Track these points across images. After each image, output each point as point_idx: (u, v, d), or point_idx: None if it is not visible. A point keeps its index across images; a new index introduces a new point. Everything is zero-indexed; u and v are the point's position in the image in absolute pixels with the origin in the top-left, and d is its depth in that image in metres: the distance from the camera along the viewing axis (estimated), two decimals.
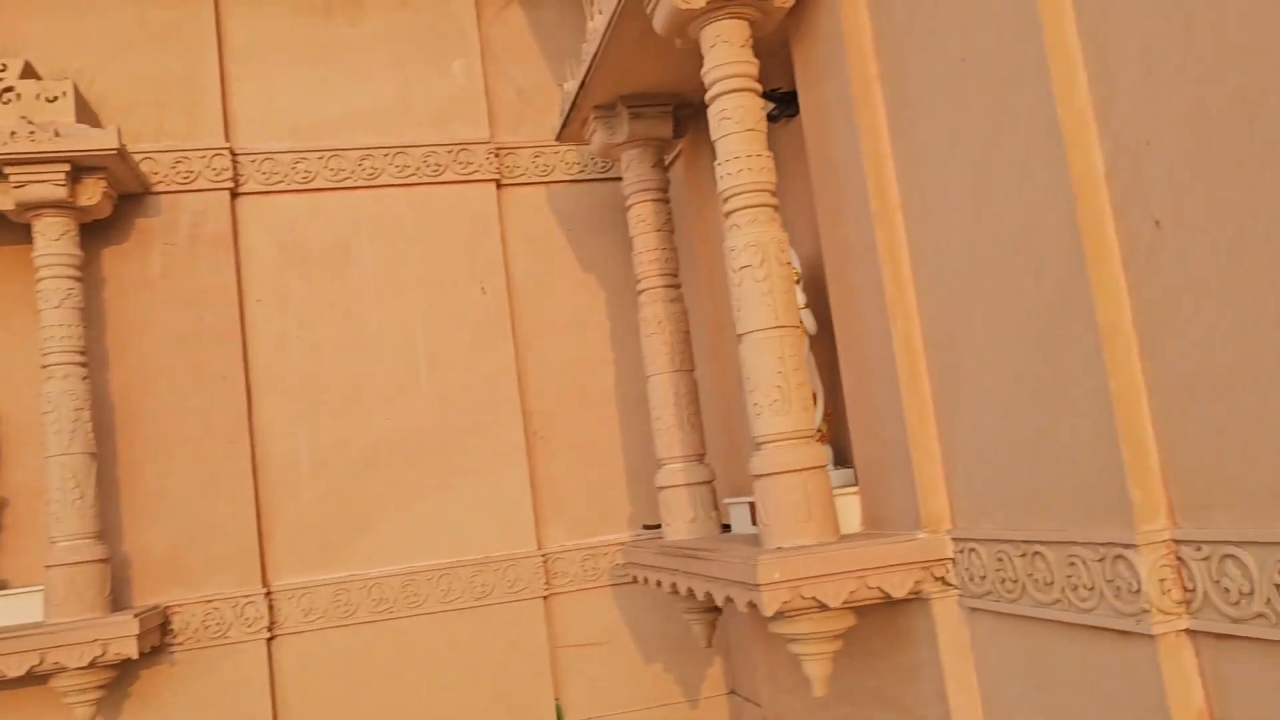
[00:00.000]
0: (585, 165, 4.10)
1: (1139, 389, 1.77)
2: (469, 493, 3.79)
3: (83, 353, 3.33)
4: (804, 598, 2.22)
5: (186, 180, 3.67)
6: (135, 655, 3.11)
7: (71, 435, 3.26)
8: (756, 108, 2.49)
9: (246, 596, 3.53)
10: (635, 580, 3.38)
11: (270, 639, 3.56)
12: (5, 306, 3.55)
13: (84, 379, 3.31)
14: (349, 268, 3.83)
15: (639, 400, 4.00)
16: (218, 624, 3.49)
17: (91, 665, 3.09)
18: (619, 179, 4.05)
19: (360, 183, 3.85)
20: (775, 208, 2.47)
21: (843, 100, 2.46)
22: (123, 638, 3.10)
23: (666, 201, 3.35)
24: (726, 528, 3.26)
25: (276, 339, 3.74)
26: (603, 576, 3.89)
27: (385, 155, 3.88)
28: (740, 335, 2.46)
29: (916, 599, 2.33)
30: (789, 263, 2.45)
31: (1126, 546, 1.73)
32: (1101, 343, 1.77)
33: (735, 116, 2.46)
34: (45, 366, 3.29)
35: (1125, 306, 1.78)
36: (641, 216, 3.32)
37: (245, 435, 3.62)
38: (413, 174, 3.89)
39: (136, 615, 3.15)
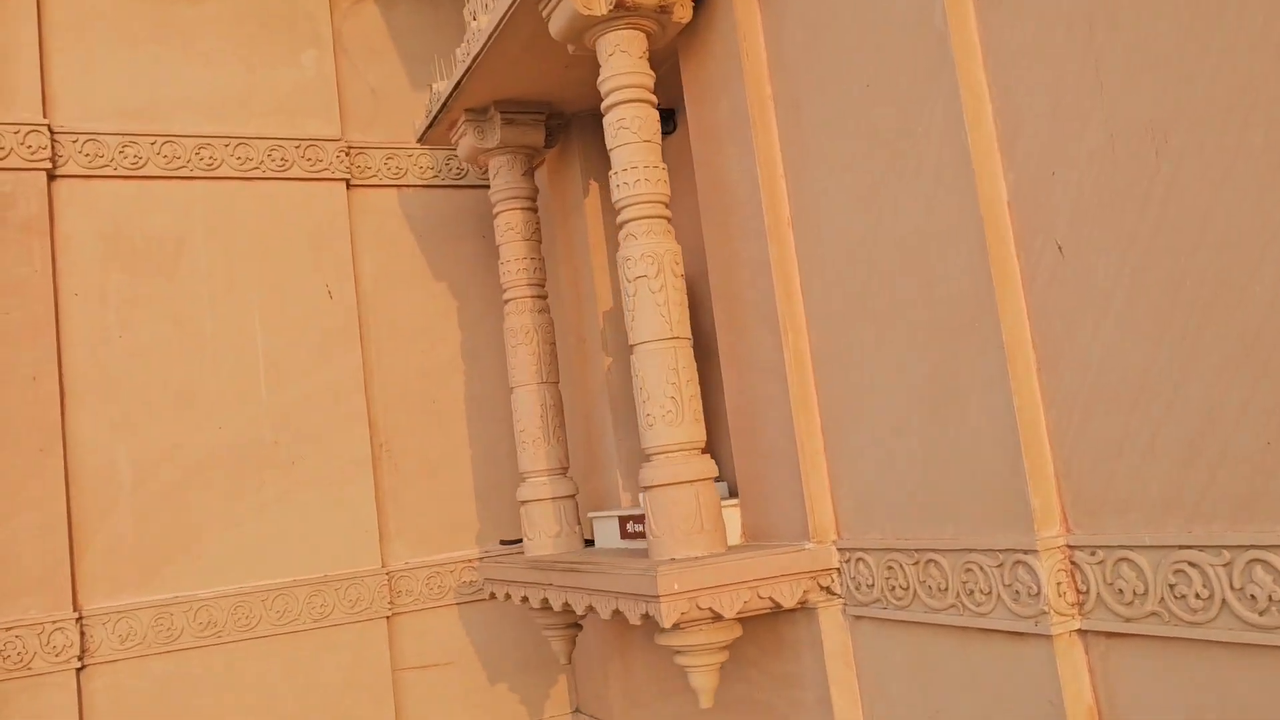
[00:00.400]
0: (439, 170, 3.99)
1: (1037, 403, 1.88)
2: (309, 508, 3.58)
3: None
4: (700, 608, 2.22)
5: None
6: None
7: None
8: (654, 119, 2.50)
9: (54, 622, 3.18)
10: (492, 596, 3.29)
11: (81, 668, 3.21)
12: None
13: None
14: (181, 264, 3.55)
15: (489, 414, 3.92)
16: (19, 653, 3.12)
17: None
18: (475, 186, 3.98)
19: (197, 173, 3.58)
20: (669, 219, 2.49)
21: (737, 118, 2.51)
22: None
23: (535, 210, 3.30)
24: (589, 543, 3.23)
25: (96, 339, 3.41)
26: (448, 595, 3.76)
27: (226, 145, 3.62)
28: (633, 345, 2.45)
29: (800, 609, 2.38)
30: (682, 275, 2.47)
31: (1027, 552, 1.83)
32: (1006, 359, 1.87)
33: (633, 126, 2.46)
34: None
35: (1025, 325, 1.90)
36: (510, 224, 3.26)
37: (58, 443, 3.27)
38: (255, 168, 3.66)
39: None
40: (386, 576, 3.64)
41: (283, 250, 3.68)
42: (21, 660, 3.12)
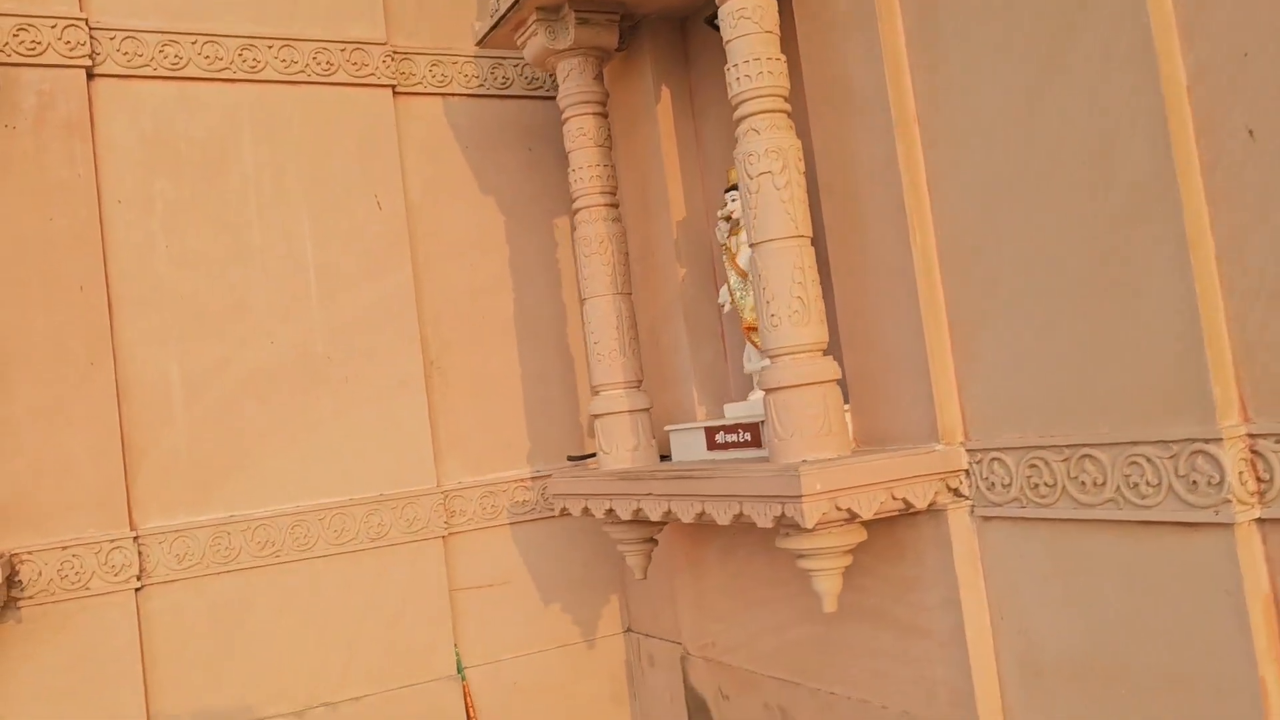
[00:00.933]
0: (484, 79, 3.83)
1: (1217, 292, 1.85)
2: (363, 426, 3.47)
3: None
4: (839, 509, 2.19)
5: (31, 52, 3.08)
6: None
7: None
8: (773, 9, 2.41)
9: (112, 541, 3.05)
10: (563, 512, 3.24)
11: (139, 589, 3.10)
12: None
13: None
14: (227, 170, 3.37)
15: (537, 332, 3.83)
16: (77, 573, 3.00)
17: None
18: (520, 97, 3.86)
19: (240, 75, 3.39)
20: (789, 114, 2.40)
21: (859, 12, 2.42)
22: None
23: (606, 116, 3.19)
24: (663, 458, 3.17)
25: (142, 248, 3.24)
26: (501, 514, 3.69)
27: (270, 47, 3.44)
28: (755, 244, 2.38)
29: (924, 512, 2.36)
30: (803, 171, 2.40)
31: (1208, 441, 1.82)
32: (1188, 248, 1.84)
33: (754, 16, 2.37)
34: None
35: (1205, 213, 1.86)
36: (582, 129, 3.14)
37: (108, 357, 3.11)
38: (300, 71, 3.48)
39: None
40: (442, 496, 3.56)
41: (330, 158, 3.52)
42: (80, 580, 3.00)
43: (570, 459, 3.62)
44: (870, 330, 2.47)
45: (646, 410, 3.14)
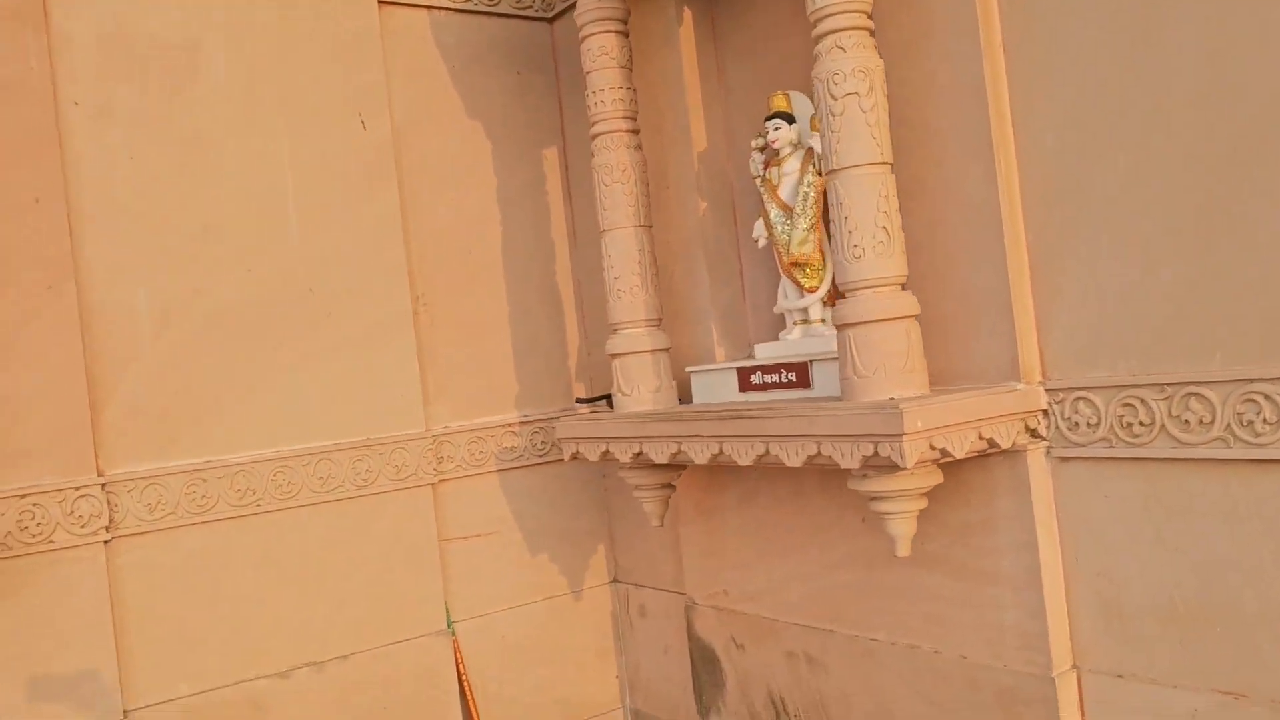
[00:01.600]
0: None
1: None
2: (348, 365, 3.20)
3: None
4: (933, 448, 2.09)
5: None
6: None
7: None
8: None
9: (78, 489, 2.73)
10: (574, 456, 3.06)
11: (107, 541, 2.78)
12: None
13: None
14: (196, 78, 3.02)
15: (525, 270, 3.63)
16: (39, 524, 2.67)
17: None
18: (509, 16, 3.62)
19: None
20: (873, 32, 2.27)
21: None
22: None
23: (628, 35, 2.98)
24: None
25: (103, 161, 2.87)
26: (489, 461, 3.49)
27: None
28: (836, 170, 2.25)
29: (995, 453, 2.30)
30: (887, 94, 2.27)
31: None
32: None
33: None
34: None
35: None
36: (604, 49, 2.93)
37: (69, 280, 2.76)
38: None
39: None
40: (432, 441, 3.33)
41: (310, 68, 3.20)
42: (42, 533, 2.67)
43: (580, 401, 3.44)
44: (945, 265, 2.38)
45: (666, 350, 2.98)
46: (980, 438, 2.18)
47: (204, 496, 2.94)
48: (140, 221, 2.91)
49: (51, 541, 2.68)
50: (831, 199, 2.27)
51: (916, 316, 2.25)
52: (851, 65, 2.20)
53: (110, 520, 2.78)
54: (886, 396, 2.18)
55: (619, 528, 3.70)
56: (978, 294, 2.32)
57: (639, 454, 2.79)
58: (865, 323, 2.20)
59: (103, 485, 2.77)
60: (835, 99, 2.22)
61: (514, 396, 3.58)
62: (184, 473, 2.91)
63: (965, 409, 2.14)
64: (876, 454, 2.10)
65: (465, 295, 3.49)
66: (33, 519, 2.66)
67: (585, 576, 3.68)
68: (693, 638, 3.26)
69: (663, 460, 2.70)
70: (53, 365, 2.72)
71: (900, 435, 2.03)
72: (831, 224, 2.30)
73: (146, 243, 2.91)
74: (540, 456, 3.59)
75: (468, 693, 3.33)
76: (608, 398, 3.20)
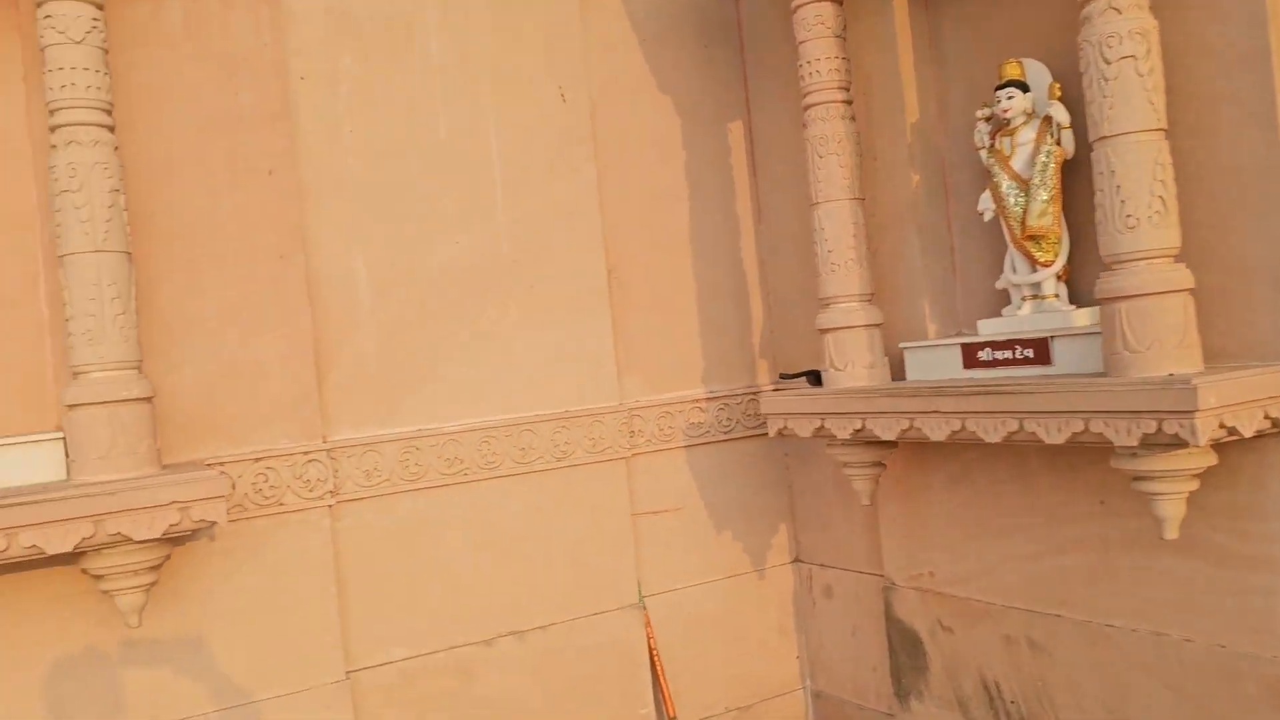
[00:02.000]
0: None
1: None
2: (548, 336, 3.21)
3: (110, 112, 2.39)
4: (1222, 426, 2.01)
5: None
6: (224, 521, 2.34)
7: (108, 225, 2.34)
8: None
9: (307, 454, 2.78)
10: (780, 433, 3.03)
11: (331, 506, 2.83)
12: None
13: (115, 149, 2.39)
14: (411, 51, 3.05)
15: (713, 244, 3.60)
16: (272, 487, 2.73)
17: (161, 538, 2.28)
18: None
19: None
20: None
21: None
22: (208, 500, 2.31)
23: (842, 3, 2.92)
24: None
25: (328, 131, 2.92)
26: (676, 436, 3.47)
27: None
28: (1107, 137, 2.16)
29: (1272, 433, 2.19)
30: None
31: None
32: None
33: None
34: (59, 127, 2.33)
35: None
36: (820, 17, 2.88)
37: (299, 251, 2.81)
38: None
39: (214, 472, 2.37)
40: (626, 415, 3.33)
41: (516, 40, 3.20)
42: (274, 495, 2.73)
43: (783, 376, 3.40)
44: (1213, 238, 2.28)
45: (879, 325, 2.93)
46: (1265, 417, 2.08)
47: (416, 465, 2.97)
48: (360, 192, 2.95)
49: (282, 504, 2.74)
50: (1098, 167, 2.19)
51: (1191, 290, 2.16)
52: (1128, 27, 2.12)
53: (334, 485, 2.83)
54: (1164, 373, 2.09)
55: (801, 507, 3.66)
56: (1253, 268, 2.21)
57: (860, 430, 2.75)
58: (1139, 296, 2.13)
59: (328, 451, 2.82)
60: (1109, 63, 2.14)
61: (700, 372, 3.55)
62: (399, 440, 2.95)
63: (1254, 387, 2.05)
64: (1160, 431, 2.02)
65: (654, 269, 3.48)
66: (266, 482, 2.72)
67: (767, 555, 3.65)
68: (891, 620, 3.21)
69: (890, 437, 2.66)
70: (286, 334, 2.77)
71: (1193, 412, 1.95)
72: (1097, 194, 2.21)
73: (366, 213, 2.95)
74: (725, 433, 3.57)
75: (658, 667, 3.33)
76: (809, 374, 3.16)
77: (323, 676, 2.77)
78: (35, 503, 2.13)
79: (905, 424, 2.59)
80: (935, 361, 2.83)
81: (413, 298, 3.01)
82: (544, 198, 3.22)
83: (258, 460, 2.71)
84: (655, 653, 3.34)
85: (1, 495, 2.16)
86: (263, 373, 2.74)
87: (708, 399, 3.54)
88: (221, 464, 2.66)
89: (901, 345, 2.94)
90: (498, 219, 3.15)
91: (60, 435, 2.43)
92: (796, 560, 3.70)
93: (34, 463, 2.40)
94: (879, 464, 2.96)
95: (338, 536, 2.85)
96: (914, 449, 3.03)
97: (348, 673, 2.82)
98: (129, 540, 2.25)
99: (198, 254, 2.68)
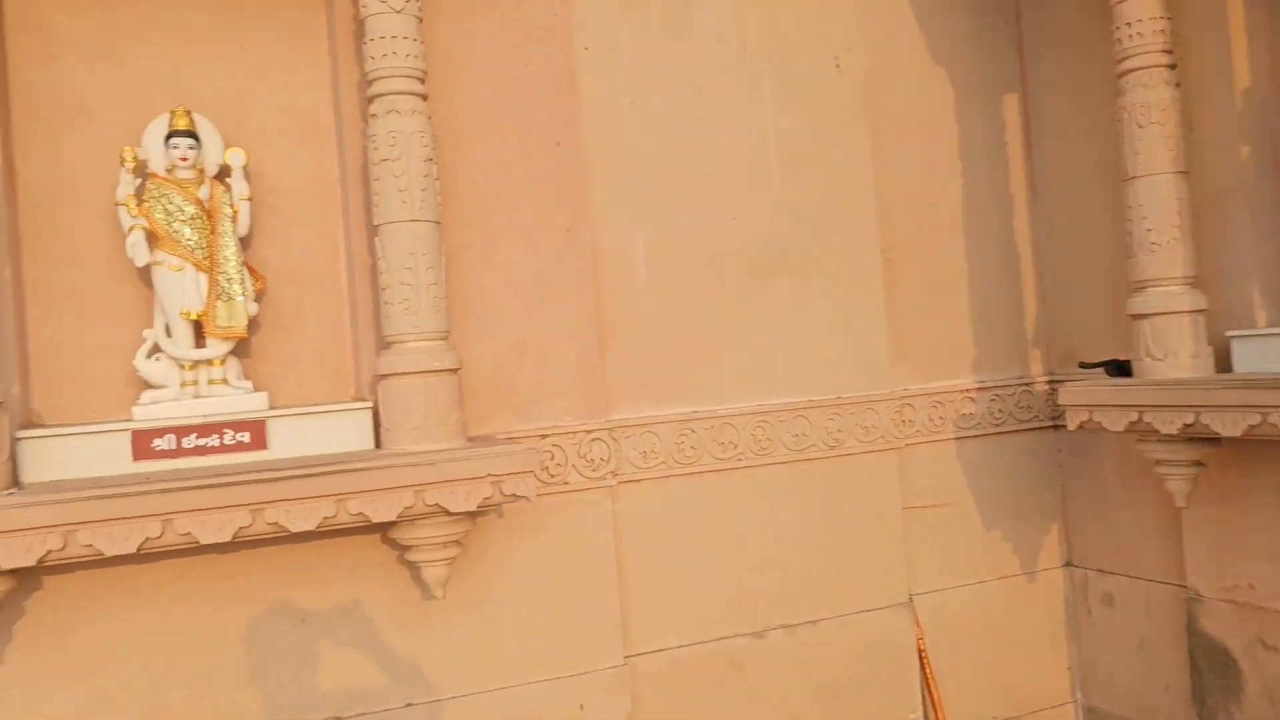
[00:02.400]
0: None
1: None
2: (820, 318, 3.07)
3: (424, 81, 2.38)
4: None
5: None
6: (534, 497, 2.30)
7: (422, 195, 2.33)
8: None
9: (590, 432, 2.73)
10: (1082, 426, 2.80)
11: (612, 486, 2.77)
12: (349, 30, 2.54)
13: (429, 119, 2.38)
14: (690, 20, 2.96)
15: (987, 224, 3.38)
16: (558, 465, 2.69)
17: (470, 511, 2.25)
18: None
19: None
20: None
21: None
22: (519, 475, 2.27)
23: None
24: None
25: (609, 103, 2.86)
26: (947, 428, 3.28)
27: None
28: None
29: None
30: None
31: None
32: None
33: None
34: (379, 96, 2.34)
35: None
36: None
37: (585, 225, 2.76)
38: None
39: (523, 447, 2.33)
40: (898, 404, 3.16)
41: (791, 11, 3.08)
42: (559, 474, 2.69)
43: (1083, 366, 3.17)
44: None
45: (1203, 311, 2.67)
46: None
47: (691, 448, 2.89)
48: (641, 166, 2.88)
49: (566, 483, 2.70)
50: None
51: None
52: None
53: (615, 466, 2.77)
54: None
55: (1075, 507, 3.41)
56: None
57: (1190, 424, 2.50)
58: None
59: (609, 430, 2.76)
60: None
61: (970, 361, 3.35)
62: (674, 421, 2.87)
63: None
64: None
65: (926, 250, 3.29)
66: (552, 459, 2.68)
67: (1038, 557, 3.42)
68: (1195, 634, 2.93)
69: (1233, 433, 2.40)
70: (572, 310, 2.72)
71: None
72: None
73: (646, 188, 2.88)
74: (995, 426, 3.35)
75: (927, 670, 3.16)
76: (1110, 364, 2.92)
77: (603, 660, 2.71)
78: (364, 470, 2.13)
79: (1256, 419, 2.33)
80: (1270, 353, 2.56)
81: (688, 275, 2.92)
82: (819, 173, 3.08)
83: (544, 437, 2.68)
84: (925, 655, 3.16)
85: (329, 462, 2.17)
86: (550, 349, 2.70)
87: (979, 389, 3.33)
88: (510, 439, 2.63)
89: (1229, 334, 2.67)
90: (773, 195, 3.03)
91: (368, 405, 2.44)
92: (1069, 564, 3.45)
93: (342, 431, 2.41)
94: (1198, 463, 2.70)
95: (618, 518, 2.79)
96: (1239, 448, 2.75)
97: (626, 658, 2.76)
98: (444, 512, 2.23)
99: (490, 226, 2.65)
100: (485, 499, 2.23)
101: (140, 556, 2.20)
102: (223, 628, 2.39)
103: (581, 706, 2.68)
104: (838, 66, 3.13)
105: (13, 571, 2.04)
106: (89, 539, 1.96)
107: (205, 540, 2.04)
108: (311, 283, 2.61)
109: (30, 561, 1.93)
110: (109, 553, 1.98)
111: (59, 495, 1.94)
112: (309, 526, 2.11)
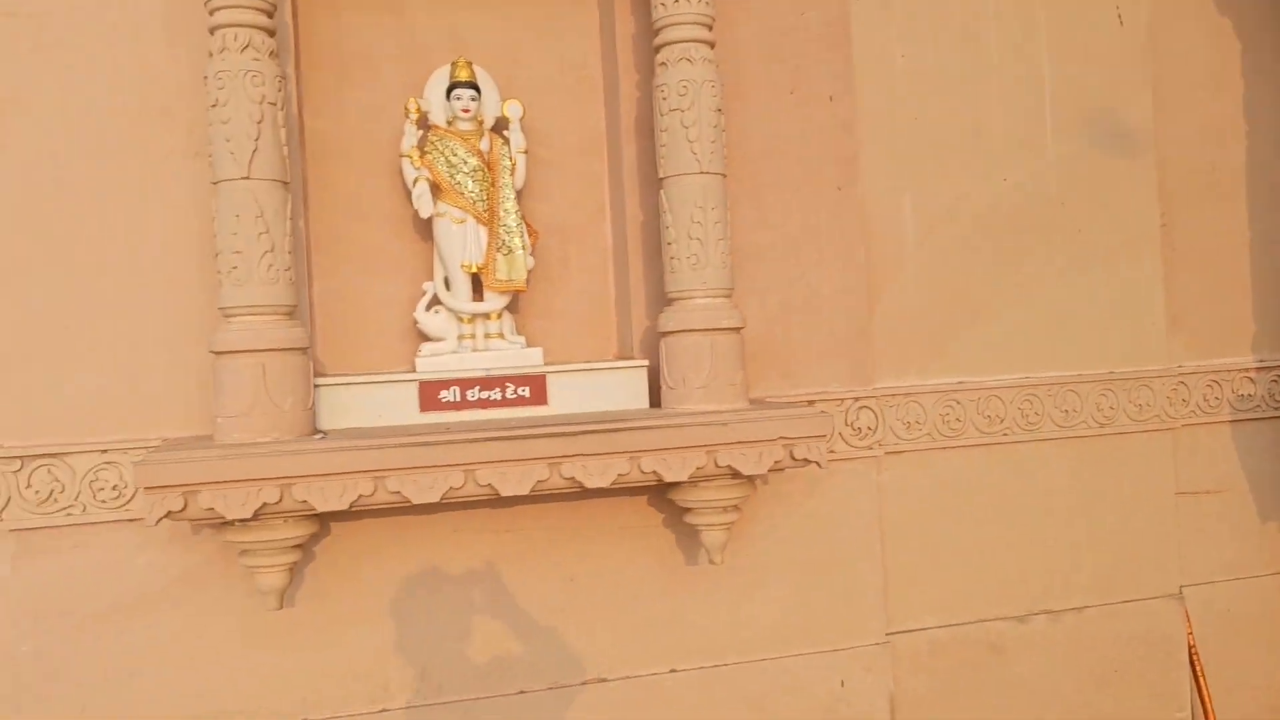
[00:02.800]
0: None
1: None
2: (1093, 286, 2.87)
3: (712, 28, 2.29)
4: None
5: None
6: (824, 463, 2.20)
7: (712, 146, 2.25)
8: None
9: (857, 399, 2.62)
10: None
11: (878, 456, 2.66)
12: None
13: (718, 68, 2.29)
14: None
15: (1271, 192, 3.10)
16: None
17: (752, 476, 2.17)
18: None
19: None
20: None
21: None
22: (810, 439, 2.18)
23: None
24: None
25: (880, 57, 2.72)
26: (1222, 408, 3.04)
27: None
28: None
29: None
30: None
31: None
32: None
33: None
34: (668, 44, 2.26)
35: None
36: None
37: (855, 183, 2.63)
38: None
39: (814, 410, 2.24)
40: (1174, 381, 2.93)
41: None
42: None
43: None
44: None
45: None
46: None
47: (956, 420, 2.74)
48: (911, 123, 2.73)
49: (833, 451, 2.59)
50: None
51: None
52: None
53: (880, 435, 2.65)
54: None
55: None
56: None
57: None
58: None
59: (875, 398, 2.64)
60: None
61: (1250, 337, 3.09)
62: (939, 392, 2.73)
63: None
64: None
65: (1204, 216, 3.05)
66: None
67: None
68: None
69: None
70: (841, 271, 2.61)
71: None
72: None
73: (915, 145, 2.74)
74: (1276, 409, 3.08)
75: (1198, 667, 2.94)
76: None
77: (865, 637, 2.61)
78: (659, 428, 2.07)
79: None
80: None
81: (956, 237, 2.77)
82: (1097, 132, 2.88)
83: (811, 402, 2.58)
84: (1195, 651, 2.94)
85: (622, 419, 2.12)
86: (818, 311, 2.59)
87: (1259, 368, 3.07)
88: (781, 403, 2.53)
89: None
90: (1046, 154, 2.84)
91: (644, 364, 2.38)
92: None
93: (618, 389, 2.36)
94: None
95: (881, 490, 2.67)
96: None
97: (888, 635, 2.64)
98: (731, 474, 2.16)
99: (759, 182, 2.56)
100: (776, 462, 2.15)
101: (422, 508, 2.22)
102: (496, 581, 2.38)
103: (842, 683, 2.58)
104: (1120, 19, 2.91)
105: (315, 516, 2.07)
106: (397, 486, 1.96)
107: (505, 492, 2.01)
108: (577, 237, 2.57)
109: (343, 505, 1.94)
110: (415, 500, 1.97)
111: (372, 441, 1.95)
112: (604, 483, 2.06)
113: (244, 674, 2.24)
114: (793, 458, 2.16)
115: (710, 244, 2.23)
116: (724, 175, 2.28)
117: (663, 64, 2.26)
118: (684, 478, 2.10)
